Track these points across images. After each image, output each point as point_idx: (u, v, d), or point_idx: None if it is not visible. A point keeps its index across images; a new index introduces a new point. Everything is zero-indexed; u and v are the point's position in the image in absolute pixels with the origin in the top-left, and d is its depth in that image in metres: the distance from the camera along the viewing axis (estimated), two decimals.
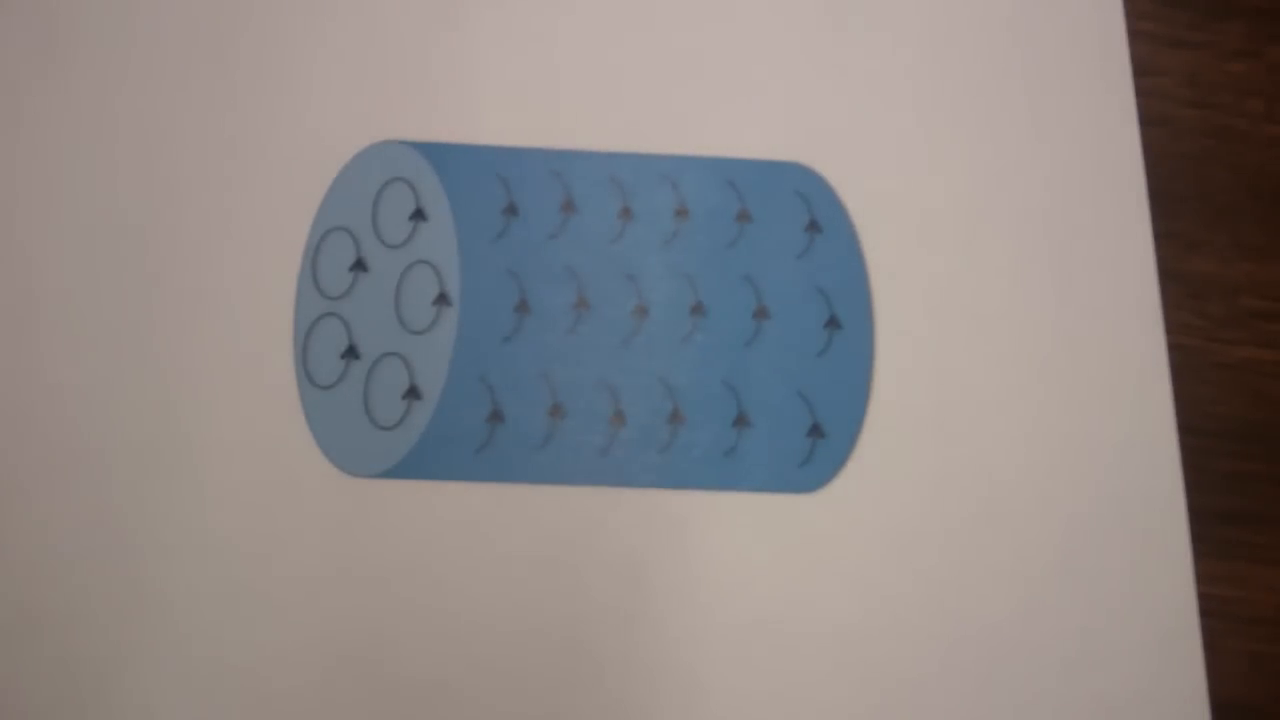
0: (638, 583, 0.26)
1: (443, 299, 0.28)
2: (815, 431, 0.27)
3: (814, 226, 0.29)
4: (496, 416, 0.27)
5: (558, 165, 0.29)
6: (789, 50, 0.30)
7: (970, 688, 0.26)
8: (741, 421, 0.27)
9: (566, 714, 0.25)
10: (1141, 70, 0.30)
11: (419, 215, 0.28)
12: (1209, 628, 0.26)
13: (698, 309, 0.28)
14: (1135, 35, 0.31)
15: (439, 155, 0.29)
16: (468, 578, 0.26)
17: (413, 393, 0.27)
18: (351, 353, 0.27)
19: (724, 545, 0.27)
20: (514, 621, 0.26)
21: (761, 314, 0.28)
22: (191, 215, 0.28)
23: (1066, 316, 0.28)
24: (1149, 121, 0.30)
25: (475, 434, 0.27)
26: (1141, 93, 0.30)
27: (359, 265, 0.28)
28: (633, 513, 0.27)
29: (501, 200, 0.29)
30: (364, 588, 0.26)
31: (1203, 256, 0.29)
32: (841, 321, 0.28)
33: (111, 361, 0.27)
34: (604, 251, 0.28)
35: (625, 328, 0.28)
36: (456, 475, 0.27)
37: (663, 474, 0.27)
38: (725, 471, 0.27)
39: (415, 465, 0.27)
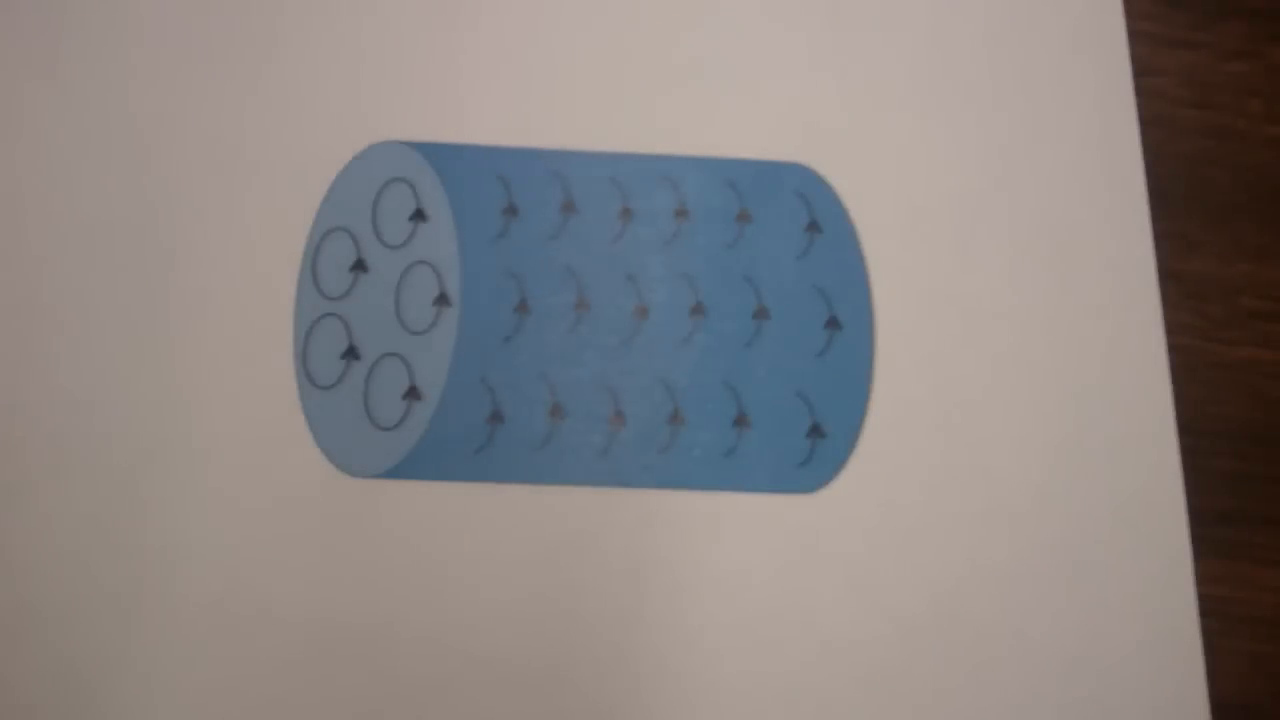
0: (638, 583, 0.26)
1: (443, 299, 0.28)
2: (815, 431, 0.27)
3: (814, 226, 0.29)
4: (496, 417, 0.27)
5: (558, 165, 0.29)
6: (789, 50, 0.30)
7: (970, 687, 0.26)
8: (741, 422, 0.27)
9: (566, 714, 0.25)
10: (1141, 70, 0.30)
11: (419, 215, 0.28)
12: (1209, 628, 0.26)
13: (698, 309, 0.28)
14: (1135, 35, 0.31)
15: (439, 155, 0.29)
16: (468, 578, 0.26)
17: (413, 393, 0.27)
18: (351, 353, 0.27)
19: (724, 545, 0.27)
20: (514, 621, 0.26)
21: (761, 314, 0.28)
22: (192, 216, 0.28)
23: (1066, 316, 0.28)
24: (1149, 121, 0.30)
25: (475, 434, 0.27)
26: (1141, 93, 0.30)
27: (359, 265, 0.28)
28: (633, 513, 0.27)
29: (501, 200, 0.29)
30: (364, 588, 0.26)
31: (1203, 256, 0.29)
32: (841, 321, 0.28)
33: (112, 361, 0.27)
34: (604, 251, 0.28)
35: (625, 328, 0.28)
36: (456, 475, 0.27)
37: (663, 474, 0.27)
38: (725, 472, 0.27)
39: (415, 465, 0.27)
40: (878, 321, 0.28)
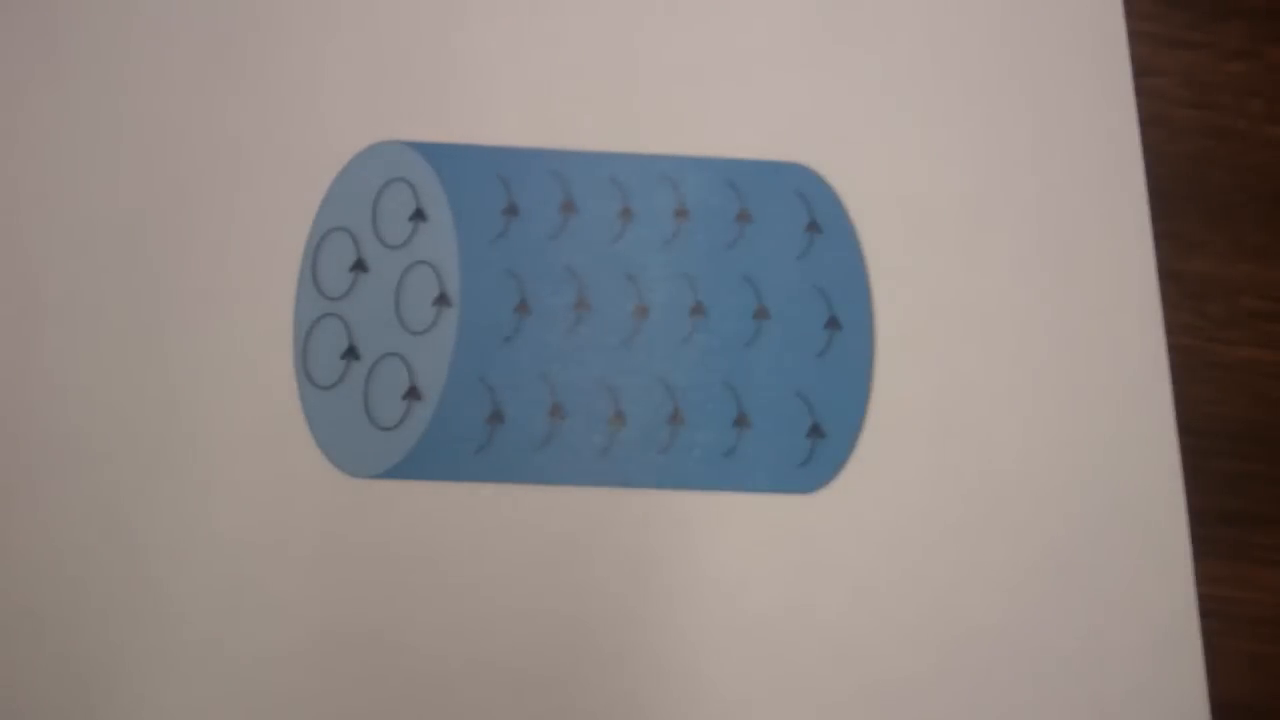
0: (638, 583, 0.26)
1: (443, 299, 0.28)
2: (815, 432, 0.27)
3: (814, 226, 0.29)
4: (496, 417, 0.27)
5: (558, 165, 0.29)
6: (789, 50, 0.30)
7: (970, 688, 0.26)
8: (741, 422, 0.27)
9: (566, 713, 0.25)
10: (1141, 70, 0.30)
11: (419, 215, 0.28)
12: (1209, 628, 0.26)
13: (698, 309, 0.28)
14: (1135, 35, 0.31)
15: (439, 155, 0.29)
16: (468, 578, 0.26)
17: (413, 393, 0.27)
18: (351, 353, 0.27)
19: (724, 545, 0.27)
20: (514, 622, 0.26)
21: (761, 314, 0.28)
22: (192, 215, 0.28)
23: (1066, 316, 0.28)
24: (1149, 121, 0.30)
25: (475, 434, 0.27)
26: (1141, 93, 0.30)
27: (359, 265, 0.28)
28: (633, 513, 0.27)
29: (501, 200, 0.29)
30: (364, 588, 0.26)
31: (1203, 256, 0.29)
32: (841, 321, 0.28)
33: (112, 361, 0.27)
34: (604, 251, 0.28)
35: (625, 328, 0.28)
36: (456, 475, 0.27)
37: (663, 474, 0.27)
38: (725, 472, 0.27)
39: (415, 465, 0.27)
40: (878, 321, 0.28)
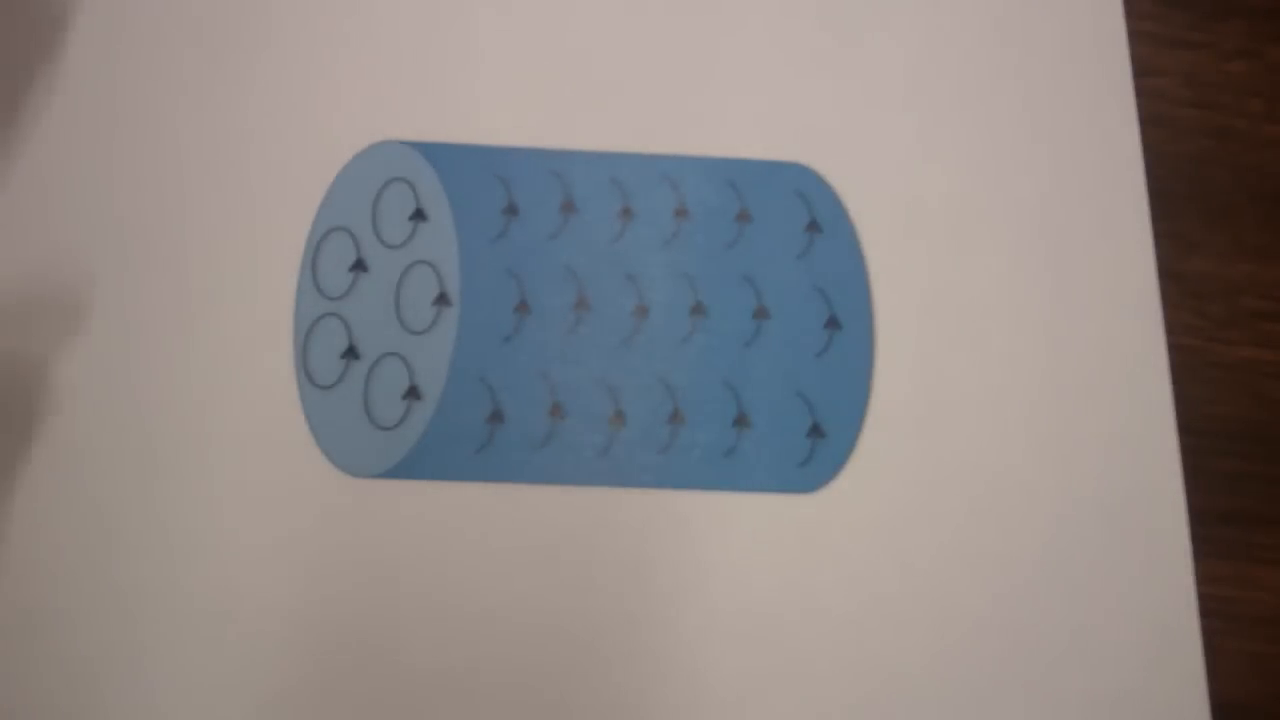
0: (638, 583, 0.26)
1: (443, 299, 0.28)
2: (815, 431, 0.27)
3: (814, 226, 0.29)
4: (496, 416, 0.27)
5: (558, 165, 0.29)
6: (789, 50, 0.30)
7: (969, 687, 0.26)
8: (741, 422, 0.27)
9: (566, 713, 0.25)
10: (1141, 70, 0.30)
11: (419, 215, 0.28)
12: (1209, 628, 0.26)
13: (698, 309, 0.28)
14: (1135, 35, 0.31)
15: (439, 155, 0.29)
16: (468, 578, 0.26)
17: (413, 393, 0.27)
18: (351, 353, 0.27)
19: (724, 545, 0.27)
20: (514, 621, 0.26)
21: (761, 314, 0.28)
22: (192, 215, 0.28)
23: (1066, 316, 0.28)
24: (1149, 121, 0.30)
25: (475, 434, 0.27)
26: (1141, 93, 0.30)
27: (359, 265, 0.28)
28: (633, 513, 0.27)
29: (501, 200, 0.29)
30: (364, 587, 0.26)
31: (1203, 256, 0.29)
32: (841, 321, 0.28)
33: (112, 361, 0.27)
34: (604, 251, 0.28)
35: (625, 328, 0.28)
36: (456, 475, 0.27)
37: (663, 474, 0.27)
38: (725, 471, 0.27)
39: (415, 465, 0.27)
40: (878, 321, 0.28)
